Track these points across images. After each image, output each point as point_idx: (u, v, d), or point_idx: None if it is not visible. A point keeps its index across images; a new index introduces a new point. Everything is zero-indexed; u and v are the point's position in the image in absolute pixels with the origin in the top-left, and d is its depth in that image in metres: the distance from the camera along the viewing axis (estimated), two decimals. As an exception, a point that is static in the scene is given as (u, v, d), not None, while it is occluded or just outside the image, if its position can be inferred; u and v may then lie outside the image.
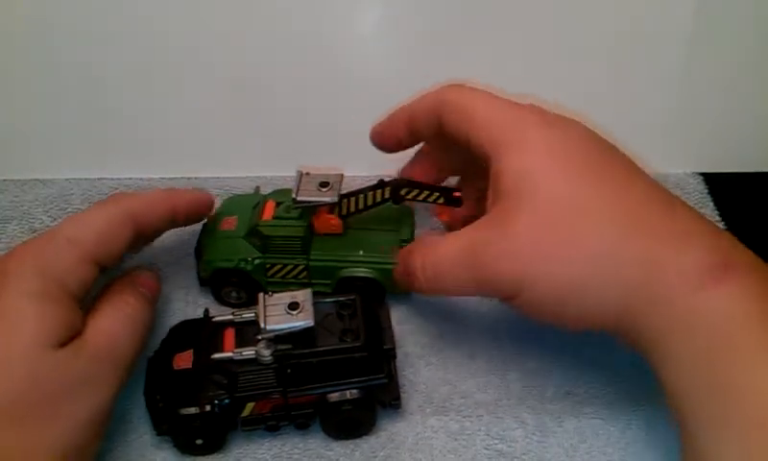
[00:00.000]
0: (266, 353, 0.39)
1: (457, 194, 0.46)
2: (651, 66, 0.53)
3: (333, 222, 0.46)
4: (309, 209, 0.46)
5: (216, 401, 0.39)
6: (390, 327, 0.42)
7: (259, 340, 0.39)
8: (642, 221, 0.35)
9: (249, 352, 0.39)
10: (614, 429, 0.41)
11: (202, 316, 0.43)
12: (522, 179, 0.37)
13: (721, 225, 0.54)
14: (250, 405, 0.40)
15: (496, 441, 0.41)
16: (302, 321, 0.38)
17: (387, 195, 0.46)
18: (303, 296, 0.39)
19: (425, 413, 0.42)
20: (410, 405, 0.43)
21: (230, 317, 0.41)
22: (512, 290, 0.37)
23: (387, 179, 0.46)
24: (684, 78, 0.54)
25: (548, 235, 0.35)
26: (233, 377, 0.39)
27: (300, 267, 0.46)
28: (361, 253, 0.46)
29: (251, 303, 0.45)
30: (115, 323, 0.39)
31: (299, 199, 0.45)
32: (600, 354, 0.44)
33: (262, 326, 0.38)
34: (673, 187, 0.55)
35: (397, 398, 0.41)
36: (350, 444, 0.41)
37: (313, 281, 0.46)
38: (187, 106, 0.55)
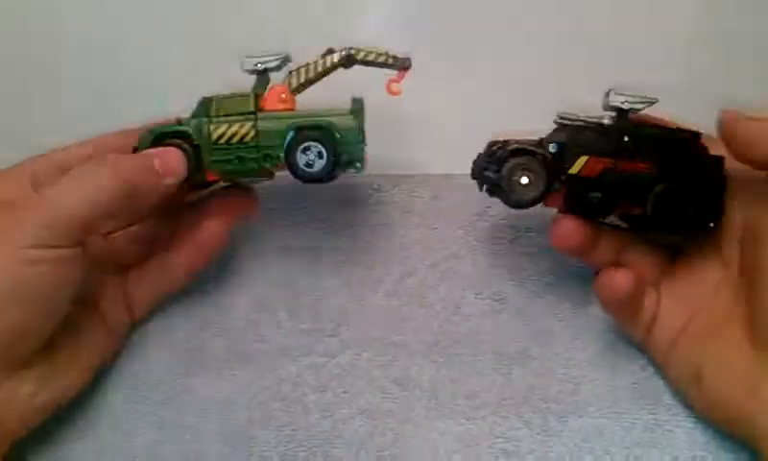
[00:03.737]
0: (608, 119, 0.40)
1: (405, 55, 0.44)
2: (650, 70, 0.53)
3: (282, 91, 0.43)
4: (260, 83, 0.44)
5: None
6: None
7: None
8: None
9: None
10: (619, 429, 0.41)
11: None
12: None
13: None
14: (582, 160, 0.40)
15: (501, 440, 0.41)
16: None
17: (337, 59, 0.44)
18: None
19: (430, 412, 0.43)
20: (414, 405, 0.43)
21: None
22: None
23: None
24: (683, 81, 0.54)
25: None
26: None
27: (248, 127, 0.43)
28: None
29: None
30: None
31: (247, 59, 0.43)
32: (605, 353, 0.44)
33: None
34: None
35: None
36: (356, 443, 0.41)
37: (261, 144, 0.42)
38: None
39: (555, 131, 0.41)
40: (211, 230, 0.45)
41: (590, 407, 0.42)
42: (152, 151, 0.41)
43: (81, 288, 0.38)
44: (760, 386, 0.36)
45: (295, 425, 0.42)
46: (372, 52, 0.44)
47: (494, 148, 0.42)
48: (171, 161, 0.41)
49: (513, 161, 0.41)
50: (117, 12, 0.53)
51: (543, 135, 0.41)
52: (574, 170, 0.40)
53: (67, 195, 0.37)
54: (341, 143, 0.42)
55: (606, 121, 0.41)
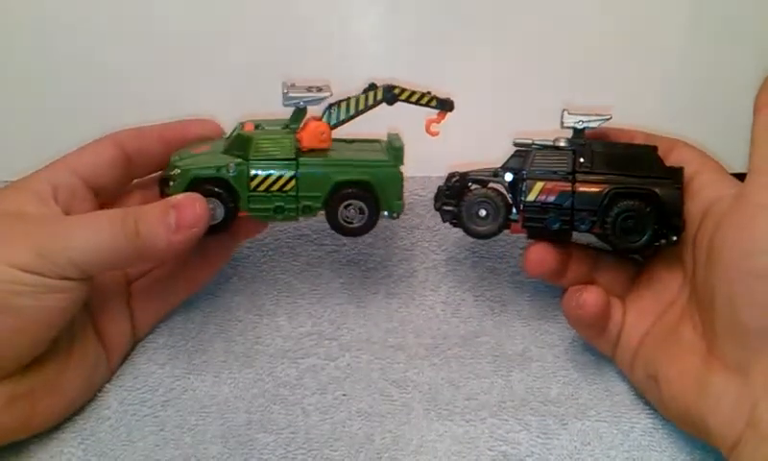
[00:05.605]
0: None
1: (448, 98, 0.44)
2: (650, 68, 0.53)
3: (322, 129, 0.42)
4: (296, 118, 0.43)
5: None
6: None
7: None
8: None
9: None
10: (618, 432, 0.41)
11: None
12: None
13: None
14: (538, 186, 0.40)
15: (500, 443, 0.41)
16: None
17: (380, 96, 0.43)
18: None
19: (429, 414, 0.43)
20: (414, 407, 0.43)
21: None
22: None
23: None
24: (684, 78, 0.54)
25: None
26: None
27: (288, 176, 0.42)
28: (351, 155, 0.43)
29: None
30: None
31: (290, 95, 0.42)
32: (604, 356, 0.44)
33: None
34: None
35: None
36: (355, 445, 0.41)
37: (300, 194, 0.42)
38: (189, 110, 0.55)
39: (511, 157, 0.42)
40: (222, 243, 0.45)
41: (590, 410, 0.42)
42: (174, 200, 0.38)
43: (68, 317, 0.37)
44: (710, 387, 0.36)
45: (294, 428, 0.42)
46: (415, 92, 0.43)
47: (453, 181, 0.42)
48: (188, 217, 0.38)
49: (471, 195, 0.41)
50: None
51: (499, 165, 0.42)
52: (531, 197, 0.40)
53: (72, 237, 0.36)
54: (383, 197, 0.42)
55: (562, 143, 0.41)
